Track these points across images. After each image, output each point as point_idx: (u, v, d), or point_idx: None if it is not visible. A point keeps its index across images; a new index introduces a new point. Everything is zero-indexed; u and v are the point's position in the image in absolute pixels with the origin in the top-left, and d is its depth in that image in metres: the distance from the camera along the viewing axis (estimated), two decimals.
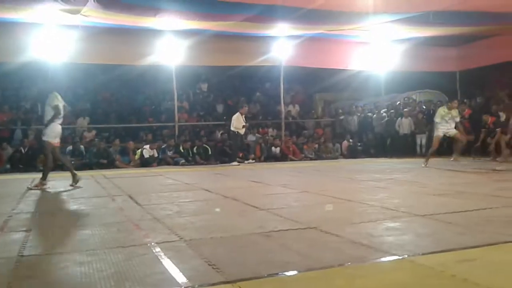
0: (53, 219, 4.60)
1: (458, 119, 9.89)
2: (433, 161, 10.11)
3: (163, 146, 12.92)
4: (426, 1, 9.44)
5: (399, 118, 13.96)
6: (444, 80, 15.74)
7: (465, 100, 12.81)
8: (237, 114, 12.81)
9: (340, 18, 10.68)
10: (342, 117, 15.84)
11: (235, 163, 12.38)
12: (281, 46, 13.81)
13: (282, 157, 13.60)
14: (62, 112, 7.22)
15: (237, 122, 12.63)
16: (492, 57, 13.74)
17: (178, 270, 2.54)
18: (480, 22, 11.42)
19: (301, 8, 9.62)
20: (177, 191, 6.51)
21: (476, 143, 11.56)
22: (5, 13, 9.97)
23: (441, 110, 9.82)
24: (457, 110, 9.89)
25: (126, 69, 14.15)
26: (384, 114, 14.45)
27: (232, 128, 12.70)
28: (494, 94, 13.62)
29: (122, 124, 14.59)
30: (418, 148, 13.83)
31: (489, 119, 11.37)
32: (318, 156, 14.02)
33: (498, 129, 10.79)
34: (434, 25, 11.54)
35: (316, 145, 14.44)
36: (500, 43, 13.42)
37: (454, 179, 7.40)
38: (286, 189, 6.52)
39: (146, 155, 12.35)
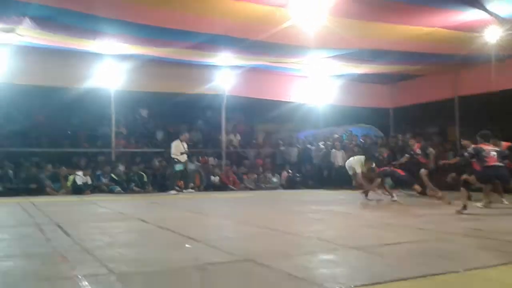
0: None
1: None
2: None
3: (97, 173, 12.43)
4: (361, 39, 9.93)
5: (333, 150, 14.39)
6: (379, 116, 16.55)
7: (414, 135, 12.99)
8: (177, 141, 12.66)
9: (281, 51, 10.99)
10: (282, 148, 16.09)
11: (173, 192, 12.13)
12: (224, 75, 13.92)
13: (222, 187, 13.52)
14: None
15: (176, 149, 12.46)
16: (421, 95, 14.65)
17: None
18: (409, 61, 12.19)
19: (245, 39, 9.78)
20: (110, 221, 6.24)
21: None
22: None
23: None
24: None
25: (62, 92, 13.59)
26: (322, 146, 14.85)
27: (172, 155, 12.50)
28: (423, 130, 14.44)
29: (55, 148, 13.91)
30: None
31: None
32: (258, 186, 14.08)
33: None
34: (369, 62, 12.17)
35: (256, 175, 14.52)
36: (428, 82, 14.36)
37: (385, 212, 7.66)
38: (224, 220, 6.45)
39: (79, 182, 11.83)
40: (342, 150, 14.29)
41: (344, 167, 13.99)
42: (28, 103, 15.11)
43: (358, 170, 10.00)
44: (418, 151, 10.54)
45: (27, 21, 8.27)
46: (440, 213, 7.05)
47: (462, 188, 7.19)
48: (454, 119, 14.16)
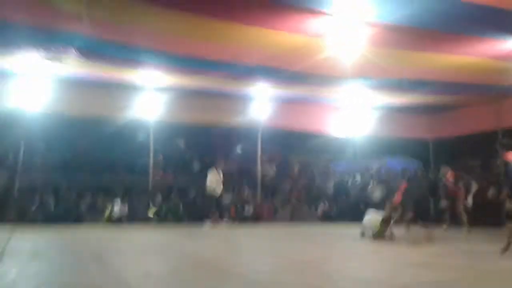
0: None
1: None
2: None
3: (135, 203, 12.53)
4: (400, 68, 9.76)
5: (370, 183, 14.02)
6: (418, 147, 16.08)
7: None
8: (213, 169, 12.63)
9: (318, 81, 10.93)
10: (318, 180, 15.84)
11: (209, 223, 12.03)
12: (260, 106, 13.95)
13: (257, 219, 13.34)
14: None
15: (212, 178, 12.42)
16: (463, 127, 14.16)
17: None
18: (450, 92, 11.85)
19: (282, 69, 9.79)
20: (147, 252, 6.19)
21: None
22: None
23: None
24: None
25: (103, 122, 13.96)
26: (359, 178, 14.53)
27: (207, 185, 12.46)
28: (465, 163, 13.91)
29: (95, 178, 14.18)
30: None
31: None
32: (293, 218, 13.81)
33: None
34: (408, 92, 11.91)
35: (291, 208, 14.28)
36: (470, 113, 13.90)
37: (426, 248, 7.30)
38: (258, 253, 6.29)
39: (117, 212, 11.92)
40: (380, 184, 13.92)
41: (382, 201, 13.67)
42: (70, 133, 15.59)
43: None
44: (452, 181, 9.95)
45: (73, 52, 8.57)
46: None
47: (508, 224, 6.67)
48: (497, 152, 13.60)
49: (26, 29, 7.43)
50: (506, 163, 9.53)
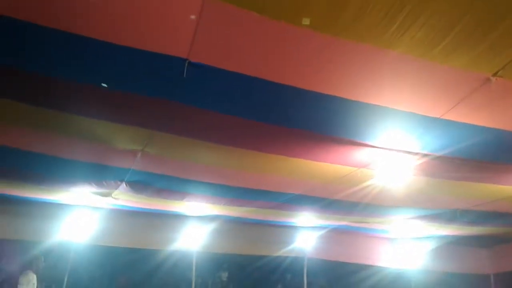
0: None
1: None
2: None
3: None
4: (452, 198, 9.40)
5: None
6: (478, 283, 14.77)
7: None
8: None
9: (365, 211, 10.63)
10: None
11: None
12: (305, 236, 13.57)
13: None
14: None
15: None
16: None
17: None
18: (508, 223, 11.16)
19: (326, 198, 9.66)
20: None
21: None
22: (39, 194, 10.32)
23: None
24: None
25: (146, 253, 13.89)
26: None
27: None
28: None
29: None
30: None
31: None
32: None
33: None
34: (462, 223, 11.30)
35: None
36: None
37: None
38: None
39: None
40: None
41: None
42: (112, 264, 15.53)
43: None
44: None
45: (123, 186, 8.88)
46: None
47: None
48: None
49: (80, 165, 7.85)
50: None
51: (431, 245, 13.84)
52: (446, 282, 14.80)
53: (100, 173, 8.52)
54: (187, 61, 4.40)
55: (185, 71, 4.46)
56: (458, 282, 14.64)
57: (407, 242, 14.08)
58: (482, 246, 14.19)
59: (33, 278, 9.41)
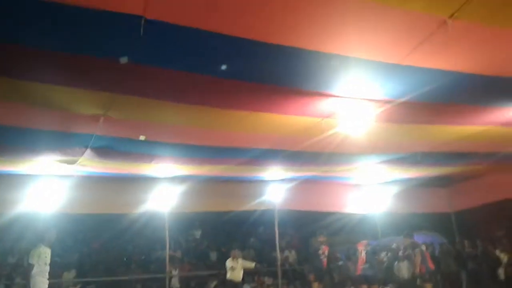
0: None
1: None
2: None
3: None
4: (412, 142, 9.75)
5: (396, 262, 13.37)
6: (440, 221, 15.61)
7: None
8: (229, 260, 12.36)
9: (330, 160, 10.88)
10: (340, 263, 15.18)
11: None
12: (274, 189, 13.84)
13: None
14: (44, 268, 6.94)
15: (230, 266, 12.15)
16: (485, 196, 13.81)
17: None
18: (469, 162, 11.70)
19: (292, 151, 9.81)
20: None
21: None
22: (1, 166, 10.03)
23: None
24: None
25: (117, 218, 13.90)
26: (384, 258, 13.89)
27: (227, 277, 12.07)
28: (492, 234, 13.41)
29: (110, 276, 13.81)
30: None
31: None
32: None
33: None
34: (423, 165, 11.79)
35: None
36: (489, 182, 13.62)
37: None
38: None
39: None
40: (406, 260, 13.26)
41: (411, 280, 12.97)
42: (84, 231, 15.52)
43: None
44: None
45: (88, 152, 8.72)
46: None
47: None
48: None
49: (42, 134, 7.64)
50: None
51: (395, 189, 14.42)
52: (410, 222, 15.55)
53: (62, 141, 8.31)
54: (143, 19, 4.27)
55: (141, 29, 4.34)
56: (421, 221, 15.42)
57: (372, 188, 14.60)
58: (443, 185, 14.90)
59: (44, 252, 9.26)
